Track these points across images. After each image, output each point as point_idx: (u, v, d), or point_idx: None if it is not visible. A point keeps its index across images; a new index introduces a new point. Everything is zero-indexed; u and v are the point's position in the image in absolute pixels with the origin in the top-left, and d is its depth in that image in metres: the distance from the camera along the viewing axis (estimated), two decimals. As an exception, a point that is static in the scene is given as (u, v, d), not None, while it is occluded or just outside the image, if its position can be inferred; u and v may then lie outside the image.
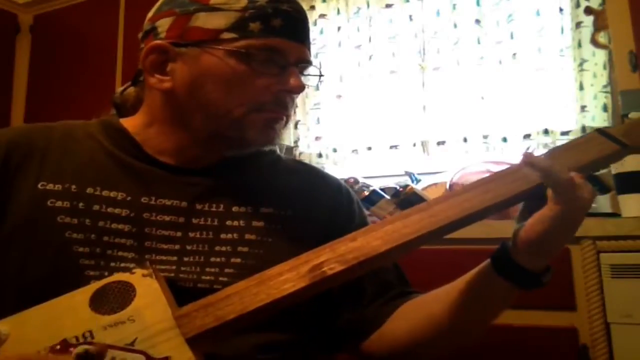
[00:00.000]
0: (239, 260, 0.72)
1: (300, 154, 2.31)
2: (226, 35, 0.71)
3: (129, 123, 0.81)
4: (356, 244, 0.60)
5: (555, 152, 0.67)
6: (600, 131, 0.68)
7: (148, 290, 0.60)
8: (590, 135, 0.68)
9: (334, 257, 0.59)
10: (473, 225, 0.63)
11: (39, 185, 0.73)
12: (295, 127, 2.33)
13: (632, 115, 1.34)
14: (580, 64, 1.86)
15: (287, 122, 0.77)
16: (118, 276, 0.62)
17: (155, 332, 0.57)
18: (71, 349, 0.55)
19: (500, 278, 0.66)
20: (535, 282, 0.65)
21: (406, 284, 0.83)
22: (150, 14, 0.79)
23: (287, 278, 0.58)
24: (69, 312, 0.59)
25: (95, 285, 0.61)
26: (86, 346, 0.54)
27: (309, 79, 0.80)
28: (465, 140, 2.03)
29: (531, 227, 0.62)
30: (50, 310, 0.59)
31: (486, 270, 0.68)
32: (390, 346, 0.76)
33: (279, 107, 0.74)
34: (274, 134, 0.75)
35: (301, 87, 0.74)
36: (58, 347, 0.56)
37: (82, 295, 0.60)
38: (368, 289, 0.79)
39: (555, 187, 0.60)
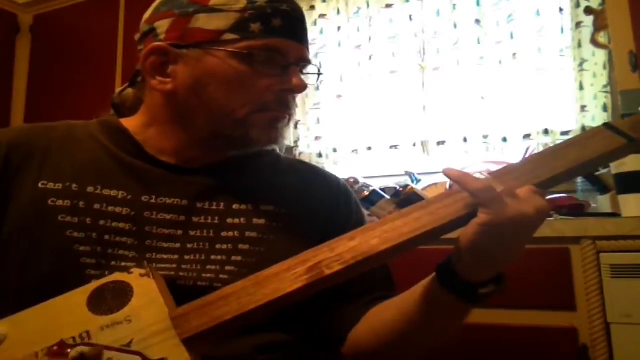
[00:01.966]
0: (239, 258, 0.72)
1: (300, 154, 2.30)
2: (228, 37, 0.71)
3: (129, 123, 0.80)
4: (354, 243, 0.59)
5: (558, 148, 0.65)
6: (607, 125, 0.66)
7: (145, 291, 0.60)
8: (597, 130, 0.66)
9: (332, 256, 0.58)
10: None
11: (40, 185, 0.73)
12: (295, 127, 2.33)
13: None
14: (580, 64, 1.86)
15: (289, 121, 0.77)
16: (115, 276, 0.62)
17: (151, 333, 0.57)
18: (68, 349, 0.55)
19: (440, 288, 0.63)
20: (472, 292, 0.61)
21: (390, 286, 0.81)
22: (147, 15, 0.78)
23: (284, 278, 0.58)
24: (67, 313, 0.58)
25: (92, 286, 0.61)
26: (82, 348, 0.54)
27: (309, 78, 0.80)
28: (465, 140, 2.03)
29: (464, 233, 0.58)
30: (48, 311, 0.59)
31: (432, 280, 0.65)
32: (356, 350, 0.75)
33: (281, 106, 0.75)
34: (277, 133, 0.75)
35: (303, 86, 0.75)
36: (55, 347, 0.56)
37: (79, 296, 0.60)
38: (353, 288, 0.77)
39: (479, 200, 0.57)
